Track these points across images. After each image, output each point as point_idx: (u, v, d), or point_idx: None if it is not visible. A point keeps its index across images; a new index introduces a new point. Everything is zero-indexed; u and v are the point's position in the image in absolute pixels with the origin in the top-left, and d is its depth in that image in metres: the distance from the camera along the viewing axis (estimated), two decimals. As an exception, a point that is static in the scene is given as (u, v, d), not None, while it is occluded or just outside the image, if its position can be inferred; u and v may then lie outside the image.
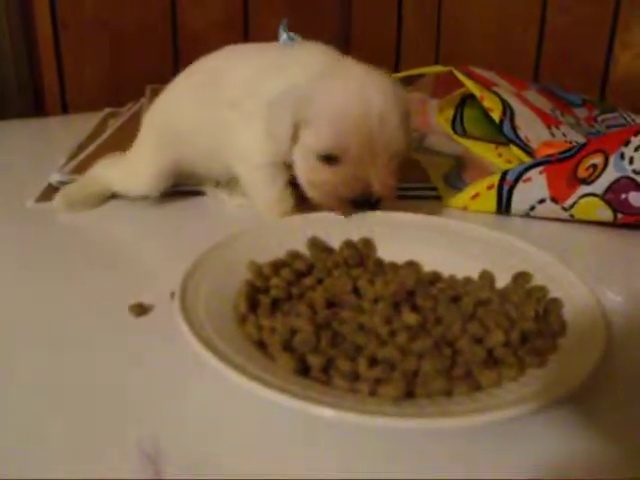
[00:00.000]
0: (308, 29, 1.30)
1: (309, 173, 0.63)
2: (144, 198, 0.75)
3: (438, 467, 0.37)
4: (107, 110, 1.18)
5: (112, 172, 0.76)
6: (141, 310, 0.53)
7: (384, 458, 0.38)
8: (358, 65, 0.65)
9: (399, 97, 0.64)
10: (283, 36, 0.72)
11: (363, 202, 0.60)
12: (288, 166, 0.66)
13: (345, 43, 1.52)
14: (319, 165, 0.62)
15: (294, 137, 0.63)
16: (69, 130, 1.17)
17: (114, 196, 0.77)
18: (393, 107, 0.62)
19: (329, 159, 0.61)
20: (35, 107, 1.25)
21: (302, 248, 0.56)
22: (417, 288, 0.49)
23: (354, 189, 0.60)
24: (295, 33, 0.74)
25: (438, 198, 0.78)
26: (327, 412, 0.35)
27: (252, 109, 0.66)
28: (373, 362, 0.41)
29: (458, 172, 0.83)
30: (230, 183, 0.77)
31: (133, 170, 0.75)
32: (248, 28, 1.40)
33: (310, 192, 0.64)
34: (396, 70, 1.47)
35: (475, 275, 0.53)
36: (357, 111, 0.60)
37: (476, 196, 0.75)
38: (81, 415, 0.42)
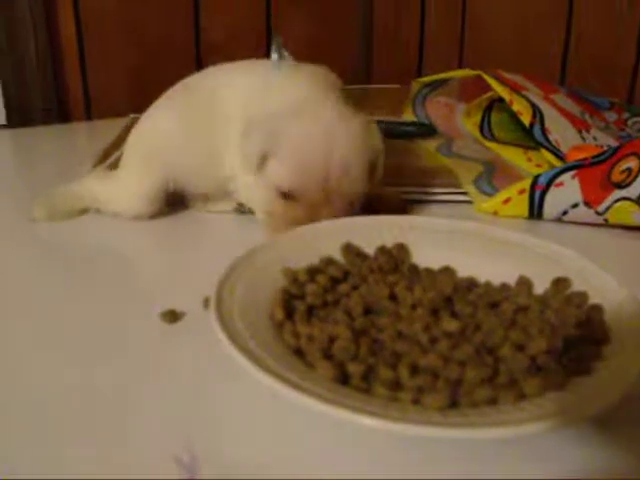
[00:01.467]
0: (330, 34, 1.31)
1: (265, 202, 0.65)
2: (133, 219, 0.73)
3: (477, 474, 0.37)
4: (132, 116, 1.18)
5: (102, 190, 0.74)
6: (173, 317, 0.53)
7: (425, 467, 0.38)
8: (334, 104, 0.65)
9: (366, 145, 0.63)
10: (274, 55, 0.72)
11: None
12: None
13: (367, 46, 1.51)
14: (276, 197, 0.63)
15: (260, 165, 0.63)
16: (93, 136, 1.18)
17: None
18: (357, 156, 0.62)
19: (285, 195, 0.62)
20: (59, 113, 1.25)
21: (335, 254, 0.55)
22: (455, 294, 0.49)
23: (303, 225, 0.60)
24: (287, 52, 0.73)
25: (468, 203, 0.77)
26: (372, 422, 0.35)
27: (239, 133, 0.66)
28: (414, 370, 0.40)
29: (487, 177, 0.82)
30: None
31: (121, 191, 0.73)
32: (270, 37, 1.40)
33: (261, 215, 0.67)
34: (418, 73, 1.47)
35: (511, 281, 0.52)
36: (319, 157, 0.60)
37: (507, 201, 0.74)
38: (115, 424, 0.41)
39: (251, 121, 0.64)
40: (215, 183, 0.72)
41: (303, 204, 0.62)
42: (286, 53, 0.70)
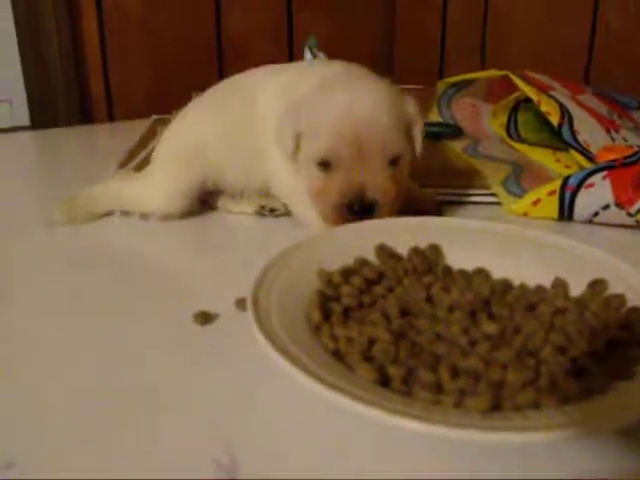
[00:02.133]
0: (351, 30, 1.30)
1: (310, 182, 0.65)
2: (163, 218, 0.73)
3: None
4: (154, 117, 1.18)
5: (131, 191, 0.74)
6: (206, 318, 0.53)
7: (464, 470, 0.37)
8: (359, 77, 0.67)
9: (396, 106, 0.64)
10: (307, 55, 0.72)
11: (358, 208, 0.61)
12: None
13: (389, 44, 1.51)
14: (317, 173, 0.63)
15: (297, 147, 0.65)
16: (116, 137, 1.18)
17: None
18: (383, 110, 0.62)
19: (324, 165, 0.62)
20: (83, 115, 1.26)
21: (368, 255, 0.54)
22: (492, 296, 0.48)
23: (346, 194, 0.61)
24: (321, 51, 0.73)
25: (497, 204, 0.77)
26: (416, 425, 0.34)
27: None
28: (455, 373, 0.39)
29: (516, 178, 0.81)
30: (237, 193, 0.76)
31: (155, 190, 0.73)
32: (292, 35, 1.40)
33: (312, 202, 0.65)
34: (439, 71, 1.46)
35: (546, 283, 0.51)
36: (343, 116, 0.61)
37: (537, 202, 0.73)
38: (152, 428, 0.41)
39: (278, 111, 0.66)
40: (255, 182, 0.73)
41: (342, 170, 0.62)
42: (320, 53, 0.70)
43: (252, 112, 0.70)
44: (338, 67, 0.69)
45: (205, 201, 0.76)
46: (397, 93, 0.66)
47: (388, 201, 0.62)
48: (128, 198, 0.73)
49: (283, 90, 0.68)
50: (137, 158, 0.92)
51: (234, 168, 0.72)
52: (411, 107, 0.66)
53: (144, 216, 0.73)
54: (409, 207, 0.66)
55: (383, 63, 1.51)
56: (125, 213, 0.74)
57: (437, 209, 0.74)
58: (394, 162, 0.63)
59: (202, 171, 0.73)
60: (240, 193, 0.75)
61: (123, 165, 0.89)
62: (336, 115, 0.61)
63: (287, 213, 0.73)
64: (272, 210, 0.74)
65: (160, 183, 0.73)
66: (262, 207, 0.74)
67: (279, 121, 0.65)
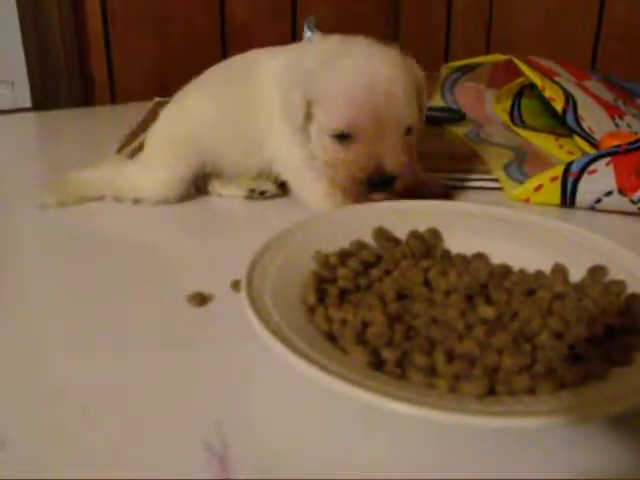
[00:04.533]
0: (356, 18, 1.29)
1: (324, 152, 0.64)
2: (158, 203, 0.72)
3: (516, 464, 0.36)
4: (156, 99, 1.17)
5: (125, 177, 0.72)
6: (202, 300, 0.52)
7: (455, 454, 0.37)
8: (368, 44, 0.65)
9: (408, 73, 0.64)
10: (307, 34, 0.71)
11: (377, 181, 0.61)
12: None
13: (394, 30, 1.49)
14: (333, 144, 0.62)
15: (308, 116, 0.63)
16: (118, 119, 1.18)
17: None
18: (401, 83, 0.62)
19: (341, 137, 0.62)
20: (84, 97, 1.25)
21: (366, 238, 0.54)
22: (490, 281, 0.47)
23: (366, 167, 0.61)
24: (319, 32, 0.72)
25: (499, 189, 0.76)
26: (408, 408, 0.34)
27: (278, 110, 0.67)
28: (450, 357, 0.39)
29: (518, 163, 0.80)
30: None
31: (151, 176, 0.72)
32: (296, 17, 1.38)
33: (327, 172, 0.64)
34: (445, 57, 1.45)
35: (546, 268, 0.51)
36: (363, 87, 0.60)
37: (539, 188, 0.72)
38: (145, 412, 0.41)
39: (286, 80, 0.64)
40: (255, 162, 0.72)
41: (361, 142, 0.61)
42: (319, 33, 0.69)
43: (253, 89, 0.69)
44: (344, 38, 0.67)
45: (197, 186, 0.75)
46: (408, 59, 0.66)
47: (405, 174, 0.61)
48: (122, 184, 0.72)
49: (289, 63, 0.67)
50: (137, 141, 0.91)
51: (233, 149, 0.71)
52: (420, 73, 0.66)
53: (137, 201, 0.72)
54: (417, 191, 0.65)
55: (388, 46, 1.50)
56: (117, 198, 0.72)
57: (445, 193, 0.73)
58: (408, 132, 0.63)
59: (199, 156, 0.72)
60: (235, 176, 0.74)
61: (123, 147, 0.89)
62: (356, 84, 0.61)
63: (277, 195, 0.73)
64: (262, 193, 0.73)
65: (157, 169, 0.71)
66: (252, 190, 0.73)
67: (287, 89, 0.64)
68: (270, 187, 0.73)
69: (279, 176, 0.72)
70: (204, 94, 0.73)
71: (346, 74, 0.61)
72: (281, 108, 0.65)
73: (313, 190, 0.67)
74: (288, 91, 0.64)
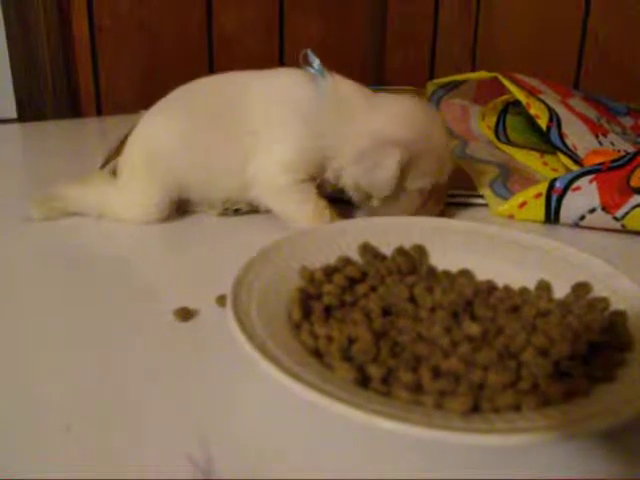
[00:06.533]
0: (344, 33, 1.30)
1: (410, 207, 0.68)
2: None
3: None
4: (142, 112, 1.17)
5: (107, 200, 0.71)
6: (187, 314, 0.52)
7: (438, 470, 0.37)
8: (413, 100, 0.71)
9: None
10: (314, 68, 0.70)
11: None
12: (314, 178, 0.68)
13: (380, 45, 1.50)
14: (416, 196, 0.68)
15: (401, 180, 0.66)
16: (104, 132, 1.17)
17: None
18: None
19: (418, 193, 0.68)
20: (70, 108, 1.25)
21: (352, 254, 0.54)
22: (475, 297, 0.48)
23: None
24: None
25: (483, 206, 0.76)
26: (393, 425, 0.34)
27: (272, 135, 0.67)
28: (436, 373, 0.39)
29: (503, 180, 0.81)
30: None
31: (131, 202, 0.70)
32: (283, 31, 1.39)
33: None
34: (430, 74, 1.46)
35: (530, 285, 0.51)
36: (443, 149, 0.68)
37: (524, 205, 0.73)
38: (128, 424, 0.40)
39: (366, 147, 0.66)
40: (233, 187, 0.70)
41: (422, 197, 0.68)
42: (327, 73, 0.69)
43: (234, 119, 0.68)
44: (355, 86, 0.70)
45: (179, 206, 0.73)
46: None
47: None
48: (103, 207, 0.71)
49: (302, 108, 0.67)
50: (119, 157, 0.90)
51: (208, 176, 0.70)
52: None
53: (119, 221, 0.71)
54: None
55: (374, 63, 1.51)
56: (100, 217, 0.71)
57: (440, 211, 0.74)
58: None
59: (172, 180, 0.70)
60: (209, 201, 0.73)
61: (106, 163, 0.88)
62: (437, 150, 0.67)
63: (251, 211, 0.73)
64: (236, 210, 0.73)
65: (132, 194, 0.70)
66: (226, 209, 0.73)
67: (374, 161, 0.65)
68: (243, 205, 0.72)
69: (253, 201, 0.71)
70: (172, 114, 0.71)
71: (430, 140, 0.66)
72: (367, 180, 0.66)
73: (300, 212, 0.68)
74: (379, 165, 0.65)
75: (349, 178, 0.67)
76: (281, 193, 0.68)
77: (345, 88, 0.69)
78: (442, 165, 0.68)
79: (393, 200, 0.67)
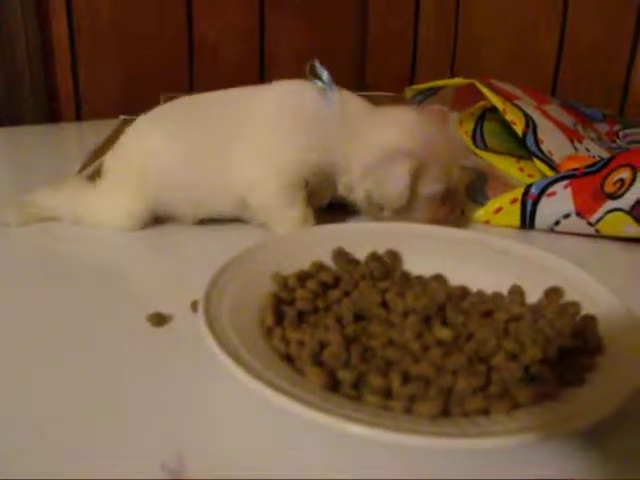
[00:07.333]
0: (325, 39, 1.30)
1: (423, 213, 0.68)
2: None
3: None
4: (122, 117, 1.17)
5: (86, 206, 0.70)
6: (160, 320, 0.52)
7: (409, 474, 0.37)
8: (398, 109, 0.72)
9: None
10: (325, 74, 0.69)
11: None
12: (305, 184, 0.68)
13: (361, 51, 1.51)
14: (430, 202, 0.68)
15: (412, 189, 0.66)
16: (83, 137, 1.17)
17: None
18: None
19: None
20: (49, 113, 1.24)
21: (326, 259, 0.54)
22: (447, 302, 0.48)
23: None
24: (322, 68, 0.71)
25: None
26: (363, 430, 0.34)
27: (263, 141, 0.67)
28: (406, 378, 0.39)
29: (480, 186, 0.81)
30: None
31: (109, 207, 0.70)
32: (264, 38, 1.39)
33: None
34: (410, 80, 1.47)
35: (503, 290, 0.51)
36: (445, 156, 0.68)
37: (499, 210, 0.73)
38: (101, 429, 0.40)
39: (375, 160, 0.66)
40: (225, 202, 0.70)
41: (434, 205, 0.68)
42: (334, 86, 0.69)
43: (229, 134, 0.68)
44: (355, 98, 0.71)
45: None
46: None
47: None
48: (82, 212, 0.70)
49: (312, 124, 0.67)
50: (97, 162, 0.90)
51: (202, 195, 0.69)
52: None
53: (96, 227, 0.71)
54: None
55: (355, 69, 1.51)
56: (77, 223, 0.71)
57: None
58: None
59: (162, 198, 0.69)
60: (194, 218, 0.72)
61: (84, 168, 0.88)
62: (442, 156, 0.67)
63: (232, 218, 0.72)
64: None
65: (115, 202, 0.70)
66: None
67: (385, 173, 0.65)
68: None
69: (242, 217, 0.71)
70: (173, 136, 0.70)
71: (437, 147, 0.67)
72: (376, 186, 0.66)
73: (286, 217, 0.67)
74: (391, 178, 0.64)
75: (361, 192, 0.68)
76: (270, 197, 0.67)
77: (351, 102, 0.69)
78: (450, 170, 0.67)
79: (405, 210, 0.67)
